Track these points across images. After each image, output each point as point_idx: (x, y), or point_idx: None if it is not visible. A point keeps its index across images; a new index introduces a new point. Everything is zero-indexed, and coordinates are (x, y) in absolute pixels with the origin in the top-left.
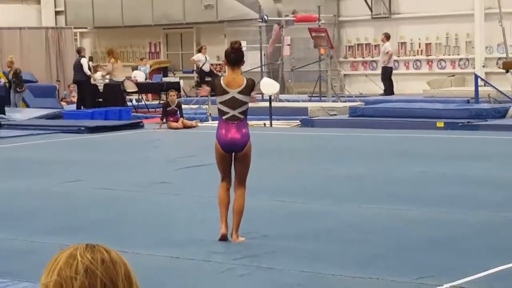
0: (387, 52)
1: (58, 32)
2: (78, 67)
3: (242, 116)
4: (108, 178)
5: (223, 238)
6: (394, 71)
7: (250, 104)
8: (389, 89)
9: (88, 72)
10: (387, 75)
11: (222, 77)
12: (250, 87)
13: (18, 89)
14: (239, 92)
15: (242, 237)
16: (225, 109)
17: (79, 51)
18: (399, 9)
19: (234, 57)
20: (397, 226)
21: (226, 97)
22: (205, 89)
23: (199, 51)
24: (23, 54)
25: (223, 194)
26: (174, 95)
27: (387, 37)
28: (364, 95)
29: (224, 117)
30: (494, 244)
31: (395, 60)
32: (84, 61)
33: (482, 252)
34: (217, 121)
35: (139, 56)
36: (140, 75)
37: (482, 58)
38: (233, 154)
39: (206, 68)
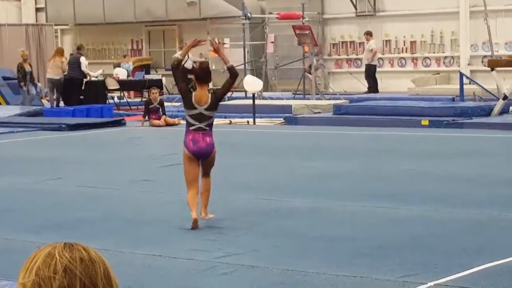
0: (371, 50)
1: (39, 29)
2: (76, 64)
3: (207, 128)
4: (90, 176)
5: (195, 225)
6: (378, 69)
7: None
8: (373, 87)
9: (86, 70)
10: (371, 73)
11: (193, 94)
12: (215, 103)
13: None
14: (206, 109)
15: (211, 214)
16: (192, 121)
17: (79, 48)
18: (384, 6)
19: (203, 76)
20: (381, 224)
21: (194, 112)
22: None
23: (181, 48)
24: (3, 51)
25: (192, 198)
26: (156, 93)
27: (370, 34)
28: (348, 93)
29: (191, 128)
30: (479, 242)
31: (379, 58)
32: (83, 59)
33: (467, 250)
34: None
35: (121, 53)
36: (122, 73)
37: (467, 56)
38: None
39: (188, 65)
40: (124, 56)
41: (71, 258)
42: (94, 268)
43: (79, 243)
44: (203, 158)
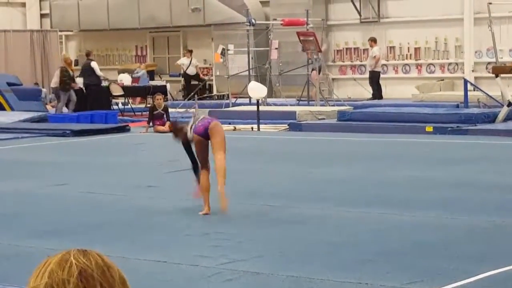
0: (375, 57)
1: (43, 35)
2: (89, 71)
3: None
4: (94, 181)
5: (206, 214)
6: (383, 75)
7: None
8: (377, 93)
9: (101, 74)
10: (374, 80)
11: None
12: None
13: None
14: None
15: (227, 198)
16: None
17: (88, 54)
18: (388, 13)
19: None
20: (386, 230)
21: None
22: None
23: (185, 54)
24: (8, 57)
25: (205, 181)
26: (160, 99)
27: (374, 41)
28: (352, 99)
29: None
30: (483, 249)
31: (384, 64)
32: (94, 64)
33: (472, 257)
34: None
35: (125, 59)
36: (126, 79)
37: (471, 62)
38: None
39: (191, 71)
40: (140, 63)
41: (87, 262)
42: (110, 273)
43: (92, 250)
44: (209, 133)
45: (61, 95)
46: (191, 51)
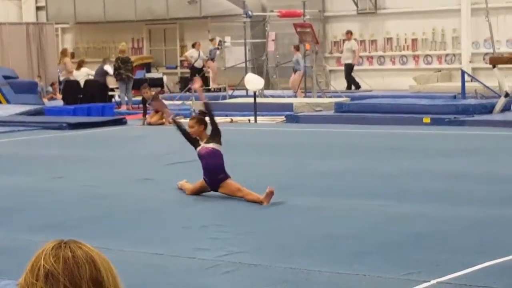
0: (354, 51)
1: (39, 27)
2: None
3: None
4: (91, 174)
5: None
6: (381, 66)
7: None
8: (350, 86)
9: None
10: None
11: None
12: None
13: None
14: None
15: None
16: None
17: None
18: (385, 4)
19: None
20: (383, 222)
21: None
22: (198, 80)
23: (193, 46)
24: (4, 50)
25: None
26: (147, 92)
27: (350, 33)
28: (349, 91)
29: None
30: (481, 240)
31: (381, 56)
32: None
33: (469, 248)
34: None
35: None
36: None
37: (468, 53)
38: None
39: (199, 64)
40: (212, 40)
41: (55, 263)
42: (79, 273)
43: (76, 242)
44: (216, 183)
45: (122, 85)
46: (199, 44)
